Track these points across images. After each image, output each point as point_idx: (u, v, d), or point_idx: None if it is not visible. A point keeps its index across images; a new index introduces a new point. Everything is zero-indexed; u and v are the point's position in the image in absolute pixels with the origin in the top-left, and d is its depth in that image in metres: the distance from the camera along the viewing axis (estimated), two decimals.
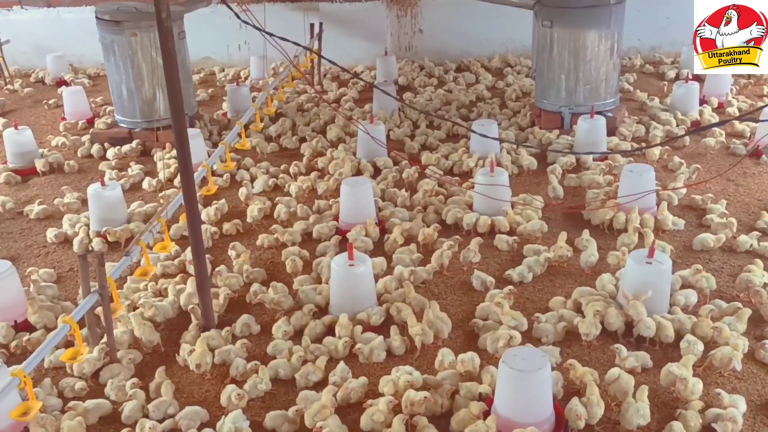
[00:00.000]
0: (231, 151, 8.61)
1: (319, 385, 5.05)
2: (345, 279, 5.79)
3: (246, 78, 13.34)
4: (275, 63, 13.43)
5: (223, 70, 14.12)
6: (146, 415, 4.79)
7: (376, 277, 6.17)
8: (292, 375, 5.19)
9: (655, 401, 4.84)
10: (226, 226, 7.38)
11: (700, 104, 10.33)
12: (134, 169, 9.04)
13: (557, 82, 9.71)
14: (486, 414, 4.61)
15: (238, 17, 6.03)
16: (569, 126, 9.57)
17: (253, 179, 8.58)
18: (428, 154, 9.03)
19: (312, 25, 12.68)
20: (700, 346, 5.16)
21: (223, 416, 4.68)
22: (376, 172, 8.73)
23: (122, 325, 5.60)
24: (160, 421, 4.73)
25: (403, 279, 6.19)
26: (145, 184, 8.68)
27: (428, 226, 7.07)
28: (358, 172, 8.61)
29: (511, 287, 6.02)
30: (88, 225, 7.45)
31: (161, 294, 6.25)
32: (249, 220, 7.58)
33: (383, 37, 13.98)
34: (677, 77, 11.96)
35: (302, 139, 9.90)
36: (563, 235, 6.63)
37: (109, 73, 9.93)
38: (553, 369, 4.99)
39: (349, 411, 4.83)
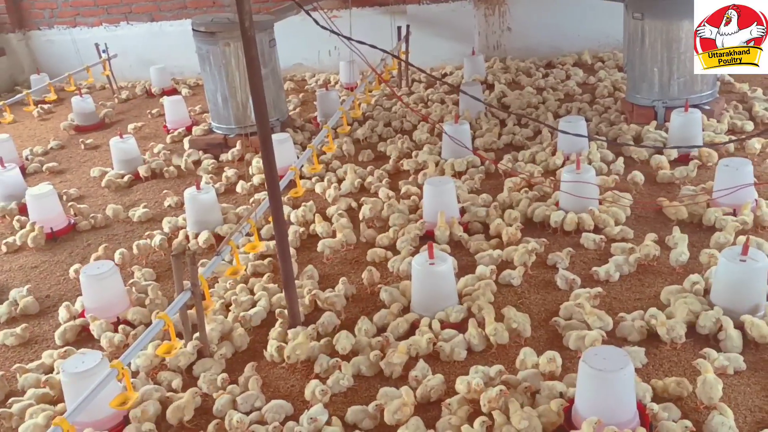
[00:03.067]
0: (318, 154, 8.84)
1: (399, 382, 5.14)
2: (426, 277, 5.84)
3: (336, 83, 13.62)
4: (365, 68, 13.62)
5: (314, 76, 14.49)
6: (235, 408, 5.01)
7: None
8: (373, 372, 5.30)
9: (748, 405, 4.64)
10: (313, 226, 7.59)
11: None
12: (229, 173, 9.43)
13: (649, 75, 9.39)
14: (567, 411, 4.55)
15: (316, 22, 6.16)
16: (663, 120, 9.23)
17: (340, 181, 8.79)
18: (513, 153, 8.98)
19: (399, 28, 12.80)
20: None
21: (306, 410, 4.84)
22: (461, 173, 8.71)
23: (214, 323, 5.86)
24: (248, 413, 4.94)
25: (484, 278, 6.19)
26: (238, 188, 9.04)
27: (511, 225, 7.03)
28: (443, 173, 8.64)
29: (599, 289, 5.89)
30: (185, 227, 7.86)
31: (252, 293, 6.50)
32: (334, 222, 7.76)
33: (471, 36, 13.93)
34: None
35: (390, 142, 10.03)
36: (650, 235, 6.44)
37: (205, 82, 10.40)
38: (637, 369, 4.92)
39: (428, 408, 4.89)
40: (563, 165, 8.28)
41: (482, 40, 14.05)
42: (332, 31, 6.12)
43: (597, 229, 6.99)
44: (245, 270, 6.74)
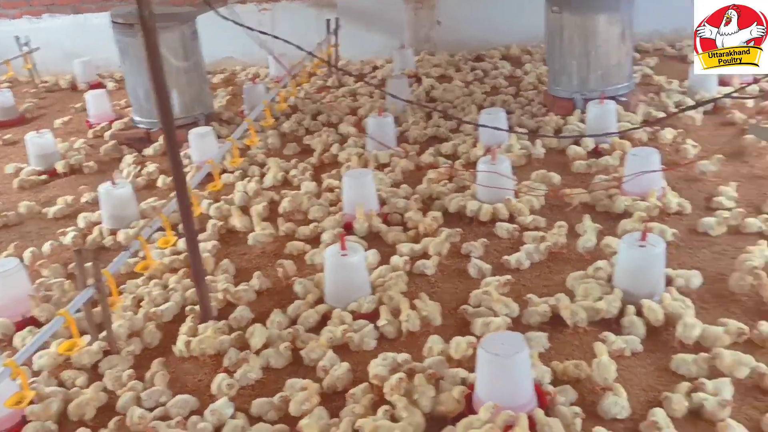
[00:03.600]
0: (243, 148, 8.78)
1: (311, 373, 5.15)
2: (338, 269, 5.86)
3: (266, 76, 13.51)
4: (296, 61, 13.55)
5: (245, 69, 14.35)
6: (139, 405, 4.94)
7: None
8: (283, 364, 5.30)
9: (642, 385, 4.81)
10: (233, 220, 7.53)
11: (722, 85, 10.07)
12: (150, 168, 9.26)
13: (569, 68, 9.61)
14: (468, 398, 4.63)
15: (218, 13, 6.10)
16: (582, 112, 9.45)
17: (264, 175, 8.73)
18: (437, 146, 9.09)
19: (328, 21, 12.77)
20: (696, 331, 5.07)
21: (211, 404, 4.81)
22: (385, 164, 8.76)
23: (121, 319, 5.76)
24: (152, 409, 4.88)
25: (398, 268, 6.25)
26: (159, 182, 8.90)
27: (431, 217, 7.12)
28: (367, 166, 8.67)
29: (509, 276, 6.01)
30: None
31: (166, 288, 6.41)
32: (254, 215, 7.71)
33: (401, 29, 13.99)
34: None
35: (316, 135, 10.01)
36: (560, 223, 6.62)
37: (126, 75, 10.21)
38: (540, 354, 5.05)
39: (334, 398, 4.91)
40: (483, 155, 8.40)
41: (412, 33, 14.13)
42: (236, 23, 6.04)
43: (512, 219, 7.12)
44: (159, 265, 6.63)
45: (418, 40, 14.16)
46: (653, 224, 6.47)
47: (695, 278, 5.65)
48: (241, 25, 6.02)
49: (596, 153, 8.47)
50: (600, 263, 5.97)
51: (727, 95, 8.37)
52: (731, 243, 6.40)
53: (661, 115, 9.24)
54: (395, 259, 6.40)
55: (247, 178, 8.61)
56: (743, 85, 9.70)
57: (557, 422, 4.30)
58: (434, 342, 5.24)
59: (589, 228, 6.59)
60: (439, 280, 6.31)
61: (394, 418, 4.54)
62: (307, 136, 10.06)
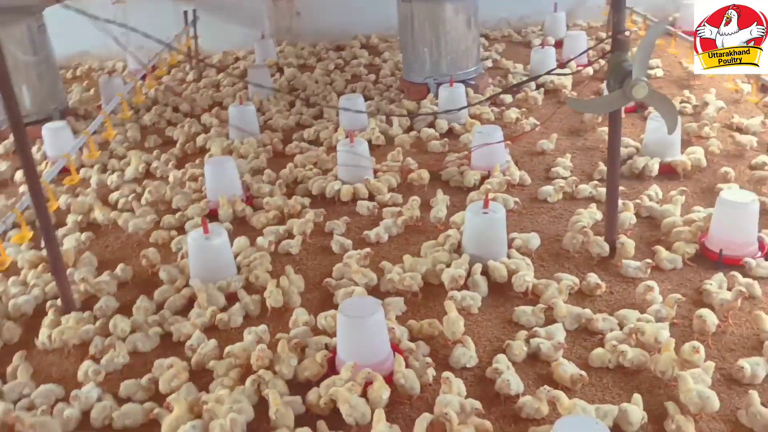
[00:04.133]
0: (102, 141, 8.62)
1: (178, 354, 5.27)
2: (202, 252, 5.99)
3: (123, 69, 13.20)
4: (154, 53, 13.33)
5: (102, 63, 13.94)
6: (2, 399, 4.88)
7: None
8: (150, 347, 5.39)
9: (488, 336, 5.31)
10: (95, 214, 7.43)
11: (561, 67, 10.91)
12: (2, 166, 8.90)
13: (421, 54, 10.12)
14: (331, 362, 4.93)
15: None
16: (435, 96, 9.98)
17: (125, 167, 8.64)
18: (299, 132, 9.35)
19: (186, 13, 12.66)
20: (528, 277, 5.66)
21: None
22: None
23: None
24: (16, 402, 4.84)
25: (263, 249, 6.46)
26: (17, 178, 8.60)
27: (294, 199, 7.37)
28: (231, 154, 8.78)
29: (368, 249, 6.36)
30: None
31: (26, 284, 6.29)
32: (120, 207, 7.65)
33: (262, 20, 14.07)
34: (542, 44, 12.57)
35: (179, 126, 9.96)
36: (414, 198, 7.10)
37: None
38: (397, 317, 5.43)
39: (203, 375, 5.07)
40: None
41: (273, 24, 14.26)
42: (85, 14, 5.98)
43: (372, 197, 7.49)
44: (17, 261, 6.47)
45: (279, 31, 14.32)
46: (498, 194, 7.04)
47: (534, 239, 6.24)
48: (90, 15, 5.97)
49: (450, 133, 9.01)
50: (450, 232, 6.44)
51: (548, 73, 9.11)
52: (566, 207, 7.09)
53: (507, 96, 9.94)
54: (260, 240, 6.60)
55: (108, 172, 8.49)
56: (579, 68, 10.56)
57: (412, 373, 4.69)
58: (299, 314, 5.51)
59: (440, 201, 7.09)
60: (304, 258, 6.58)
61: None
62: (169, 127, 10.00)
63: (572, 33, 11.71)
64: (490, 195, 6.72)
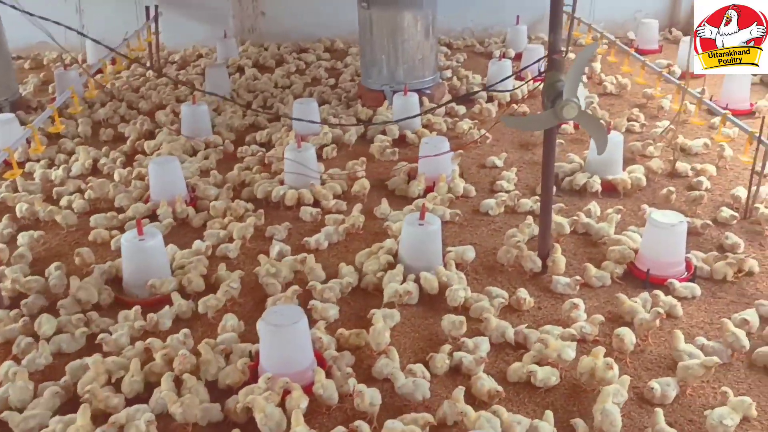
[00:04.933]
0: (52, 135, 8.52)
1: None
2: (135, 253, 5.96)
3: (83, 62, 13.03)
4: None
5: (61, 55, 13.75)
6: None
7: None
8: (75, 348, 5.35)
9: (414, 348, 5.36)
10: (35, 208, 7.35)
11: (518, 80, 11.01)
12: None
13: (378, 61, 10.16)
14: (253, 369, 4.95)
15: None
16: (391, 103, 10.02)
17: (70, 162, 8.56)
18: (252, 134, 9.35)
19: (147, 8, 12.55)
20: (461, 293, 5.71)
21: None
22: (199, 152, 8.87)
23: None
24: None
25: (200, 252, 6.45)
26: None
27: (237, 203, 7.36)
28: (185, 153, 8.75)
29: (305, 254, 6.38)
30: None
31: None
32: (63, 203, 7.57)
33: (226, 19, 14.01)
34: (503, 56, 12.69)
35: (132, 123, 9.88)
36: (358, 206, 7.13)
37: None
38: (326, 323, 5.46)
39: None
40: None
41: (237, 23, 14.21)
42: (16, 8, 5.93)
43: (317, 203, 7.51)
44: None
45: (243, 30, 14.27)
46: (439, 206, 7.11)
47: (469, 252, 6.32)
48: (23, 11, 5.92)
49: (402, 141, 9.07)
50: (388, 242, 6.49)
51: (484, 89, 9.24)
52: (506, 221, 7.18)
53: (461, 107, 10.02)
54: (197, 244, 6.58)
55: (54, 167, 8.41)
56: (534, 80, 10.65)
57: (331, 383, 4.72)
58: (228, 319, 5.51)
59: (385, 210, 7.15)
60: (241, 262, 6.57)
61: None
62: (122, 123, 9.91)
63: (531, 46, 11.84)
64: (428, 206, 6.79)
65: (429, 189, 7.62)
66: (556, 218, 6.83)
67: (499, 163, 8.40)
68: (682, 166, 7.98)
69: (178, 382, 4.82)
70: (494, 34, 14.38)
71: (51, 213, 7.22)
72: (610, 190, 7.62)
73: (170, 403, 4.53)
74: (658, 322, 5.26)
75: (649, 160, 8.14)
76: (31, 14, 5.84)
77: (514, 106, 10.04)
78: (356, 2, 10.28)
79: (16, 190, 7.73)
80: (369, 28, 10.06)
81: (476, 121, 9.60)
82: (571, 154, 8.35)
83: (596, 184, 7.52)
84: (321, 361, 5.02)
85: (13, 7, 5.87)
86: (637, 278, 6.08)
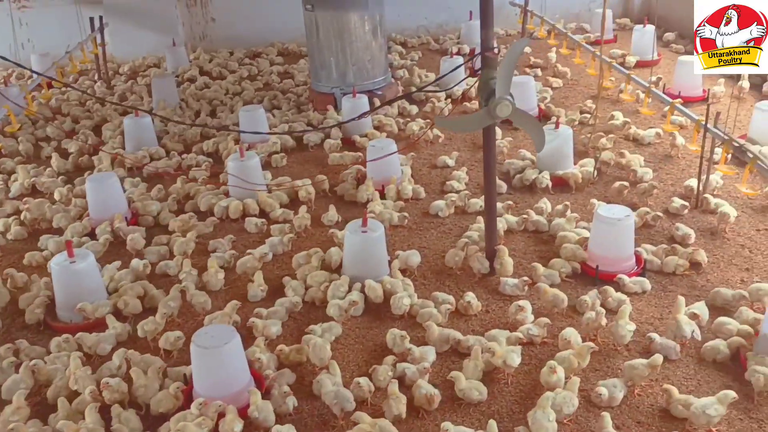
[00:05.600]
0: None
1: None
2: (65, 276, 5.71)
3: (29, 77, 12.68)
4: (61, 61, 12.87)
5: (7, 70, 13.41)
6: None
7: None
8: (3, 381, 5.09)
9: (357, 361, 5.18)
10: None
11: (472, 77, 10.87)
12: None
13: (327, 64, 9.97)
14: (187, 394, 4.73)
15: None
16: (341, 106, 9.84)
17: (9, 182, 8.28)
18: (199, 145, 9.12)
19: (92, 19, 12.23)
20: (406, 300, 5.55)
21: None
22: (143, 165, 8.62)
23: None
24: None
25: (138, 272, 6.22)
26: None
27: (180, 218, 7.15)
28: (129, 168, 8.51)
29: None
30: None
31: None
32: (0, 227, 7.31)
33: (174, 28, 13.72)
34: (458, 53, 12.54)
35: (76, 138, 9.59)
36: (303, 207, 7.06)
37: None
38: (267, 340, 5.26)
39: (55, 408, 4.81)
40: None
41: (187, 30, 13.95)
42: None
43: (263, 214, 7.30)
44: None
45: (193, 38, 14.00)
46: (383, 210, 6.95)
47: (413, 257, 6.15)
48: None
49: (350, 145, 8.89)
50: (332, 250, 6.31)
51: (420, 89, 9.14)
52: (456, 222, 7.03)
53: (413, 107, 9.87)
54: (134, 263, 6.34)
55: None
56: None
57: (267, 404, 4.53)
58: (168, 338, 5.28)
59: (332, 216, 6.97)
60: (182, 279, 6.33)
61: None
62: (66, 140, 9.62)
63: None
64: (369, 212, 6.63)
65: (380, 192, 7.44)
66: (506, 216, 6.71)
67: (451, 162, 8.25)
68: (635, 158, 7.88)
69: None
70: (449, 30, 14.26)
71: None
72: (561, 185, 7.50)
73: None
74: (603, 320, 5.13)
75: (601, 152, 8.03)
76: None
77: (441, 105, 9.87)
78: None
79: None
80: (315, 31, 9.86)
81: (428, 120, 9.44)
82: (523, 150, 8.23)
83: (546, 180, 7.39)
84: (259, 381, 4.83)
85: None
86: (588, 275, 5.96)
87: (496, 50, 5.34)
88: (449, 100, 10.09)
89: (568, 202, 6.90)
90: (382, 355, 5.16)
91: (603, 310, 5.22)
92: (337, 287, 5.75)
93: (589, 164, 7.69)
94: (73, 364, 4.90)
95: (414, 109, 9.89)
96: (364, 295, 5.72)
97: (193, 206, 7.52)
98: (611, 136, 8.46)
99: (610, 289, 5.56)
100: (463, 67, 9.90)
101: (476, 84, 9.71)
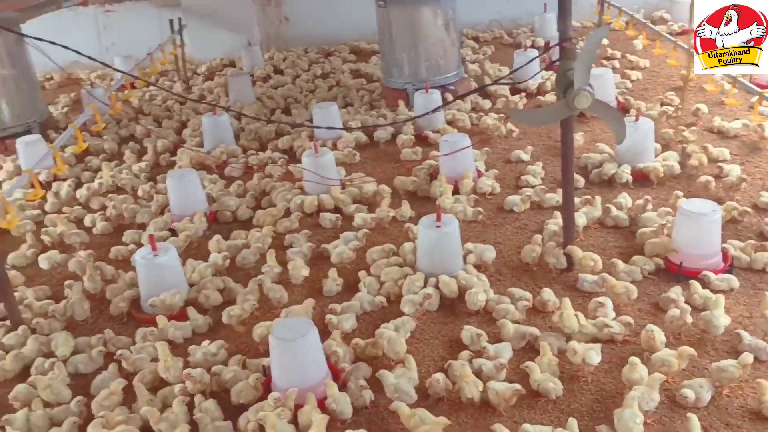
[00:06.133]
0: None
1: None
2: (149, 269, 5.90)
3: (112, 79, 13.21)
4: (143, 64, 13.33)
5: (91, 74, 13.98)
6: None
7: None
8: (94, 369, 5.31)
9: (432, 356, 5.16)
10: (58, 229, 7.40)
11: (547, 69, 10.67)
12: None
13: (399, 60, 9.97)
14: (266, 385, 4.82)
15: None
16: (413, 102, 9.81)
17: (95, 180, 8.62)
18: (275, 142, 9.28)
19: (171, 21, 12.62)
20: (482, 296, 5.49)
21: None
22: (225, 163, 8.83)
23: None
24: None
25: (218, 266, 6.37)
26: None
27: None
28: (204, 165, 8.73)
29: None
30: None
31: None
32: (87, 222, 7.61)
33: (249, 28, 14.01)
34: (532, 46, 12.33)
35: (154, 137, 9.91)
36: (386, 200, 7.17)
37: None
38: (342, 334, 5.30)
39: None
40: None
41: (262, 31, 14.22)
42: (21, 35, 5.97)
43: (337, 209, 7.37)
44: None
45: (267, 38, 14.26)
46: (454, 205, 6.90)
47: (488, 252, 6.07)
48: (21, 34, 5.97)
49: (423, 141, 8.86)
50: (406, 245, 6.29)
51: (497, 81, 8.96)
52: (532, 217, 6.92)
53: (486, 102, 9.77)
54: (213, 257, 6.49)
55: (77, 186, 8.47)
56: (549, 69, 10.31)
57: (344, 396, 4.56)
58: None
59: (406, 210, 6.98)
60: (260, 272, 6.45)
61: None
62: (147, 138, 9.94)
63: None
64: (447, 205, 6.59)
65: (454, 188, 7.38)
66: (584, 211, 6.55)
67: (525, 157, 8.12)
68: (719, 151, 7.56)
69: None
70: (522, 24, 14.04)
71: (71, 235, 7.24)
72: (641, 179, 7.27)
73: (153, 420, 4.45)
74: (689, 318, 4.95)
75: (685, 145, 7.74)
76: (53, 43, 5.85)
77: (514, 100, 9.71)
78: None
79: (44, 212, 7.80)
80: (388, 27, 9.88)
81: (501, 115, 9.32)
82: (601, 144, 8.02)
83: (626, 175, 7.18)
84: (335, 372, 4.87)
85: (36, 38, 5.91)
86: (670, 272, 5.76)
87: (573, 41, 5.20)
88: (523, 93, 9.92)
89: (649, 197, 6.69)
90: (457, 350, 5.13)
91: (688, 308, 5.04)
92: (412, 282, 5.74)
93: (671, 158, 7.42)
94: (162, 352, 5.06)
95: (487, 103, 9.78)
96: (439, 291, 5.69)
97: (269, 202, 7.65)
98: (694, 128, 8.15)
99: (697, 285, 5.35)
100: (537, 61, 9.74)
101: (550, 76, 9.76)
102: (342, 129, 8.94)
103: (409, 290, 5.69)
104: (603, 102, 5.09)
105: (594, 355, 4.66)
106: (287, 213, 7.32)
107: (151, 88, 11.88)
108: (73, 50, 5.75)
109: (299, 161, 8.42)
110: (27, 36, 6.00)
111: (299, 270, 6.13)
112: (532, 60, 9.14)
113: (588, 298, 5.52)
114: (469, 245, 6.16)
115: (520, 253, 6.21)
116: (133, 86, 11.99)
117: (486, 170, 7.81)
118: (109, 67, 7.71)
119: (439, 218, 5.92)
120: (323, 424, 4.26)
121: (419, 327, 5.43)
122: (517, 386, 4.49)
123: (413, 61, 9.90)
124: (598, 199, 6.70)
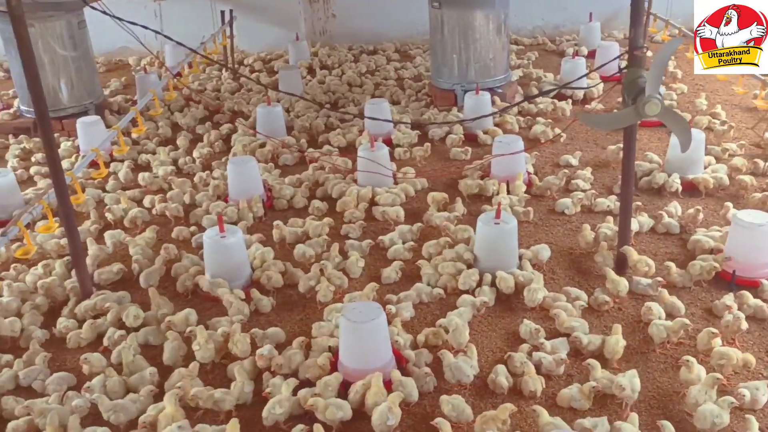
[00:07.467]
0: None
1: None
2: (217, 250, 6.13)
3: (161, 65, 13.48)
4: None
5: (141, 59, 14.27)
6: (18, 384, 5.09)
7: None
8: (161, 341, 5.53)
9: (492, 347, 5.34)
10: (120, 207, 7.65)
11: (602, 78, 10.73)
12: (38, 157, 9.21)
13: (449, 61, 10.15)
14: (333, 365, 5.02)
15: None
16: (462, 103, 9.97)
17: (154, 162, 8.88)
18: (325, 135, 9.48)
19: (222, 13, 12.89)
20: (540, 293, 5.67)
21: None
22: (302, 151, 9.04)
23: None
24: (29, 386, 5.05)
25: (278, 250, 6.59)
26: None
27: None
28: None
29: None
30: None
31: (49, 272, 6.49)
32: (147, 204, 7.85)
33: (297, 22, 14.26)
34: (575, 54, 12.46)
35: (216, 125, 10.15)
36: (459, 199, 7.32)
37: (11, 65, 10.07)
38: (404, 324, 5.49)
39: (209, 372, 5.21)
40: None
41: (308, 26, 14.45)
42: (112, 16, 6.21)
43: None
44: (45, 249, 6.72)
45: (314, 32, 14.49)
46: (514, 206, 7.06)
47: (544, 251, 6.24)
48: (114, 17, 6.21)
49: (472, 141, 9.03)
50: (461, 242, 6.47)
51: (563, 86, 9.11)
52: (583, 220, 7.06)
53: (532, 106, 9.91)
54: (300, 248, 6.63)
55: (140, 167, 8.73)
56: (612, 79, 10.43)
57: (410, 381, 4.75)
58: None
59: (458, 209, 7.15)
60: (319, 259, 6.65)
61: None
62: (200, 125, 10.18)
63: (605, 43, 11.61)
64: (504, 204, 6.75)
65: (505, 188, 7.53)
66: (638, 218, 6.70)
67: (574, 162, 8.27)
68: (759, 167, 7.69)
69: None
70: (565, 32, 14.18)
71: (134, 213, 7.48)
72: (691, 189, 7.41)
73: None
74: (745, 325, 5.09)
75: (731, 158, 7.86)
76: (120, 19, 6.09)
77: (589, 105, 9.88)
78: (427, 2, 10.30)
79: (104, 190, 8.06)
80: (440, 28, 10.06)
81: (549, 120, 9.47)
82: (650, 153, 8.15)
83: (676, 183, 7.31)
84: (399, 357, 5.06)
85: (104, 12, 6.15)
86: (723, 280, 5.90)
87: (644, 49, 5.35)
88: (569, 99, 10.06)
89: (699, 207, 6.83)
90: (515, 343, 5.31)
91: (742, 314, 5.18)
92: (468, 276, 5.93)
93: (720, 170, 7.55)
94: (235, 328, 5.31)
95: (533, 108, 9.93)
96: (495, 288, 5.87)
97: (323, 193, 7.85)
98: (742, 142, 8.27)
99: (748, 295, 5.49)
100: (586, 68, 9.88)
101: (597, 85, 9.89)
102: (398, 123, 9.10)
103: (466, 283, 5.88)
104: (672, 110, 5.23)
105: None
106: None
107: (202, 77, 12.12)
108: (165, 36, 5.97)
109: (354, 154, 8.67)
110: (120, 19, 6.20)
111: (356, 264, 6.31)
112: (609, 62, 9.06)
113: (641, 300, 5.67)
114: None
115: (572, 254, 6.38)
116: (180, 75, 12.24)
117: (536, 173, 7.98)
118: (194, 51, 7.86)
119: (498, 215, 6.10)
120: (398, 399, 4.45)
121: (477, 320, 5.61)
122: (593, 383, 4.65)
123: (463, 62, 10.08)
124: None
